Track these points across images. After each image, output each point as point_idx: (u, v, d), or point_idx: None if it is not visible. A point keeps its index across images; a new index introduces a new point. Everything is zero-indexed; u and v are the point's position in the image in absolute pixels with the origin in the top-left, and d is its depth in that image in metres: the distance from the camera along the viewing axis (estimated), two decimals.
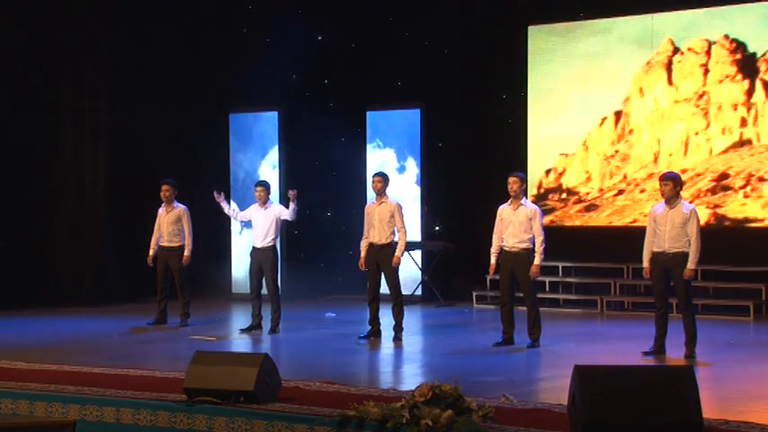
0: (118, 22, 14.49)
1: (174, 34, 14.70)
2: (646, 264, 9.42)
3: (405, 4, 14.82)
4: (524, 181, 10.19)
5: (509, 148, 14.52)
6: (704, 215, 13.46)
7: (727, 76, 13.64)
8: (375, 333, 10.58)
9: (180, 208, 11.87)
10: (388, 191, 10.72)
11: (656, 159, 14.18)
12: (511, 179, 10.03)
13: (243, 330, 11.27)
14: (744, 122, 13.52)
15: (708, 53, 13.76)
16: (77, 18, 14.39)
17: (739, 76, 13.54)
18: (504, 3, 14.45)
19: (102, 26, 14.50)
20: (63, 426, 5.80)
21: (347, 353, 9.94)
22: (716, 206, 13.62)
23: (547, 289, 13.76)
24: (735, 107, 13.56)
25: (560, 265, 13.84)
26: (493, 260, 10.14)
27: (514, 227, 9.96)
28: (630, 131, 14.35)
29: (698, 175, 13.83)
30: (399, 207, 10.59)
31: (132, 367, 8.50)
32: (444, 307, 13.85)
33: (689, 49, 13.93)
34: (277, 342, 10.74)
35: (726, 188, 13.60)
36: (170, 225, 11.80)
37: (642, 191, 14.22)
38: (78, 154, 14.50)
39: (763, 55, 13.35)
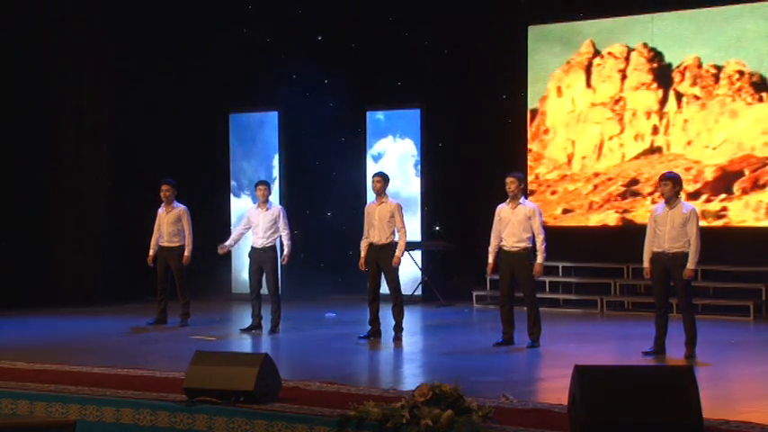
0: (118, 23, 14.50)
1: (174, 34, 14.69)
2: (646, 264, 9.42)
3: (405, 3, 14.82)
4: (522, 180, 10.17)
5: (509, 147, 14.52)
6: (613, 219, 13.70)
7: (642, 84, 13.87)
8: (375, 333, 10.57)
9: (180, 208, 11.86)
10: (395, 187, 10.72)
11: (569, 161, 14.32)
12: (508, 179, 10.02)
13: (243, 330, 11.27)
14: (656, 130, 13.75)
15: (627, 59, 13.94)
16: (78, 19, 14.39)
17: (654, 85, 13.78)
18: (504, 3, 14.45)
19: (103, 26, 14.51)
20: (63, 426, 5.80)
21: (347, 353, 9.94)
22: (625, 211, 13.92)
23: (547, 289, 13.75)
24: (648, 115, 13.80)
25: (560, 265, 13.84)
26: (490, 259, 10.15)
27: (513, 226, 9.95)
28: (546, 131, 14.41)
29: (609, 179, 14.07)
30: (399, 207, 10.59)
31: (132, 367, 8.50)
32: (444, 307, 13.84)
33: (609, 53, 14.08)
34: (277, 342, 10.74)
35: (635, 194, 13.89)
36: (170, 225, 11.80)
37: (553, 192, 14.37)
38: (79, 154, 14.51)
39: (678, 66, 13.58)
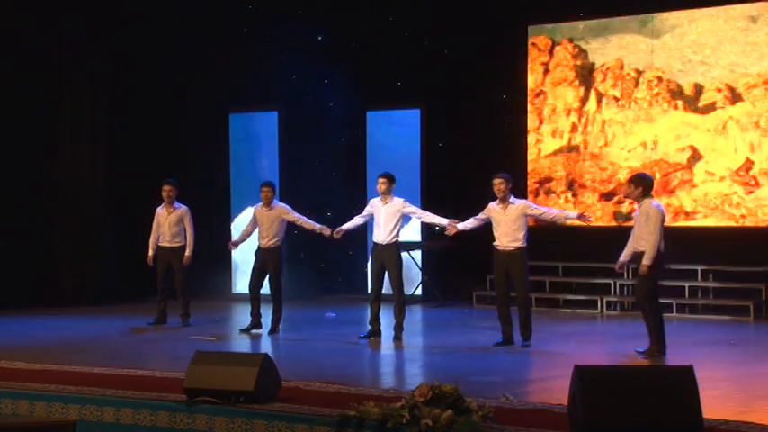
0: (118, 22, 14.50)
1: (174, 34, 14.69)
2: (621, 258, 9.50)
3: (405, 4, 14.82)
4: (510, 181, 10.13)
5: (509, 148, 14.50)
6: None
7: (565, 80, 13.92)
8: (375, 333, 10.57)
9: (182, 208, 11.85)
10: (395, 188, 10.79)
11: None
12: (496, 180, 10.00)
13: (243, 330, 11.27)
14: (574, 128, 13.84)
15: (551, 53, 13.90)
16: (77, 18, 14.40)
17: (576, 82, 13.83)
18: (504, 3, 14.44)
19: (103, 25, 14.51)
20: (63, 426, 5.80)
21: (347, 353, 9.94)
22: None
23: (547, 289, 13.74)
24: (568, 112, 13.88)
25: (560, 265, 13.83)
26: (461, 226, 10.31)
27: (506, 226, 9.94)
28: None
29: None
30: (405, 201, 10.65)
31: (132, 367, 8.50)
32: (444, 307, 13.84)
33: (532, 44, 14.06)
34: (277, 342, 10.74)
35: (548, 191, 13.95)
36: (172, 226, 11.78)
37: None
38: (78, 154, 14.51)
39: (601, 66, 13.67)
